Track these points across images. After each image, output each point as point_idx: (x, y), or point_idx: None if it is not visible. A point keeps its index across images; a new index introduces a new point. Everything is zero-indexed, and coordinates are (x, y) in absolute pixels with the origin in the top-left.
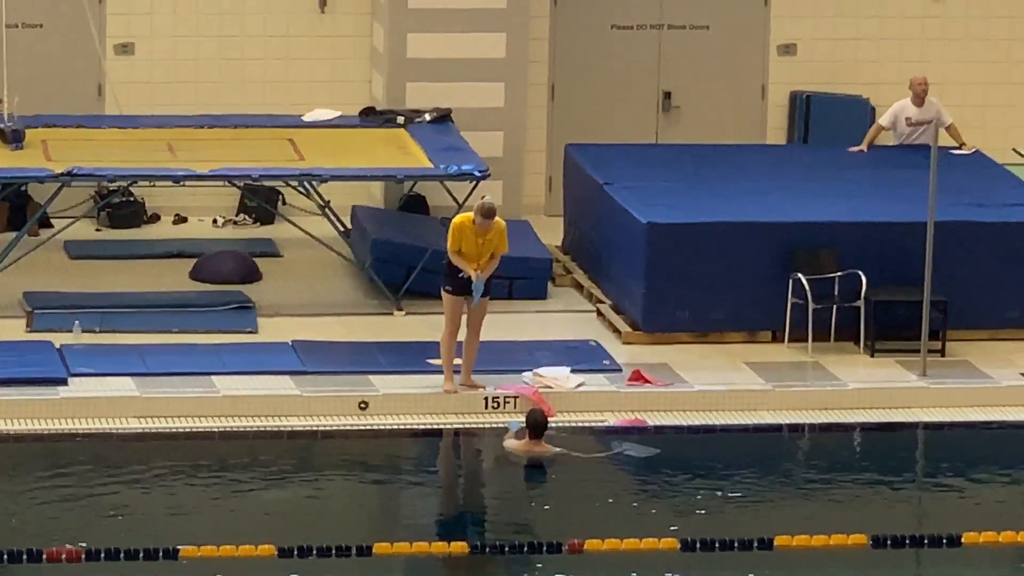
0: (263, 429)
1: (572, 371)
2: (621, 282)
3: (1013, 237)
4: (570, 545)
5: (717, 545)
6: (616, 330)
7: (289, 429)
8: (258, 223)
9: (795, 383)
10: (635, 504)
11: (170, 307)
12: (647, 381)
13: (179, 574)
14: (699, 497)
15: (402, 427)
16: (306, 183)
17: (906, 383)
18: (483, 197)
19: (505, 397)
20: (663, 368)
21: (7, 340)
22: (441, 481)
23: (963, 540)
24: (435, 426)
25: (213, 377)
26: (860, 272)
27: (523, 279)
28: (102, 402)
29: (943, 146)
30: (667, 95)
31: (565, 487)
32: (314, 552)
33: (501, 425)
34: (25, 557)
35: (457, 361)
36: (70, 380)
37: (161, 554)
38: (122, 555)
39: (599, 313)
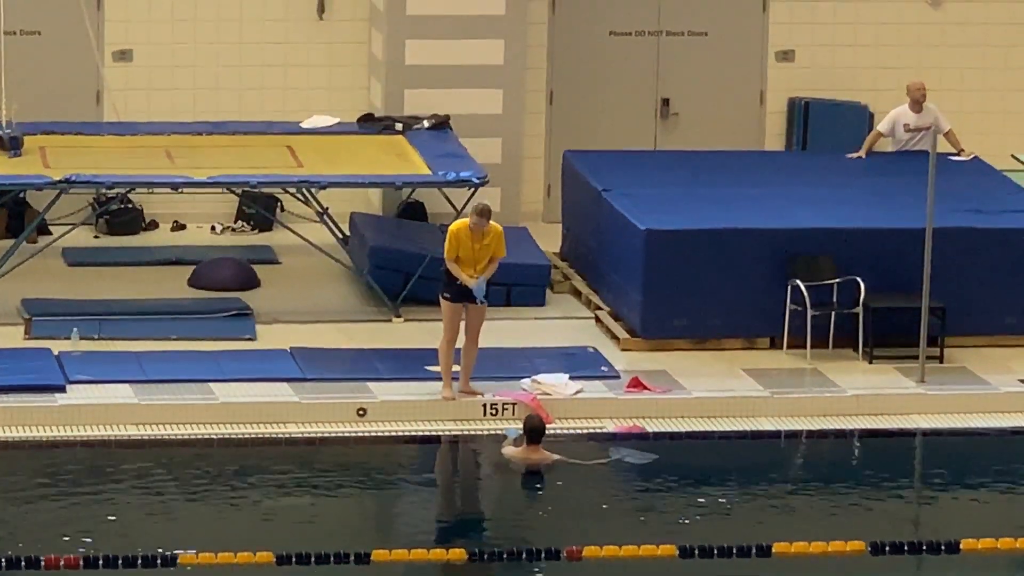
0: (262, 436)
1: (570, 378)
2: (619, 289)
3: (1012, 243)
4: (568, 552)
5: (716, 552)
6: (614, 337)
7: (287, 436)
8: (256, 230)
9: (794, 390)
10: (633, 511)
11: (168, 314)
12: (645, 388)
13: None
14: (697, 504)
15: (400, 434)
16: (304, 190)
17: (904, 389)
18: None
19: (503, 404)
20: (661, 375)
21: (5, 347)
22: (439, 488)
23: (962, 547)
24: (433, 433)
25: (211, 384)
26: (858, 279)
27: (521, 286)
28: (100, 409)
29: (941, 152)
30: (665, 102)
31: (563, 494)
32: (312, 559)
33: (499, 432)
34: (23, 564)
35: (455, 368)
36: (68, 387)
37: (159, 561)
38: (120, 562)
39: (597, 320)
